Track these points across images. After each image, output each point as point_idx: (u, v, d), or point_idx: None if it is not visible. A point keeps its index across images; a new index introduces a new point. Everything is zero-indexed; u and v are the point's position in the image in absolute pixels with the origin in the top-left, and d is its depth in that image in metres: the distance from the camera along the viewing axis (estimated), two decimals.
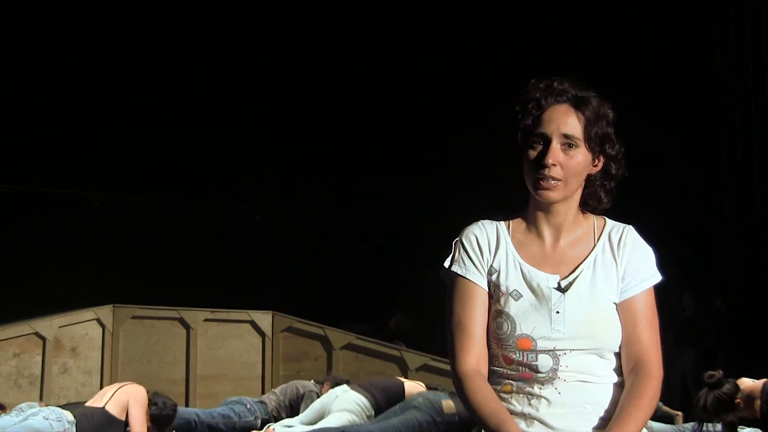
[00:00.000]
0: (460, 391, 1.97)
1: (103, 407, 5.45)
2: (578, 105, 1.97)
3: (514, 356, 1.95)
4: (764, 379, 4.88)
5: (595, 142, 1.96)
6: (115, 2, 10.08)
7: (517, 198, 2.07)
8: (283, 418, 6.37)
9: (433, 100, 10.38)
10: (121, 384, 5.72)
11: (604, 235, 2.02)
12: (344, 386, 6.28)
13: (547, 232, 2.02)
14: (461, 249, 2.04)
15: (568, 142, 1.94)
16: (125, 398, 5.48)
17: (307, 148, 10.64)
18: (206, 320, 8.57)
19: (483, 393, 1.93)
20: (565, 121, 1.95)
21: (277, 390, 6.71)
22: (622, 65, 9.20)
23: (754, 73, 9.34)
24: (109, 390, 5.64)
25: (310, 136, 10.62)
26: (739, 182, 9.44)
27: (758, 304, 8.57)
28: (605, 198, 2.03)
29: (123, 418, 5.48)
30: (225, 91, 10.37)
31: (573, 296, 1.95)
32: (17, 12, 9.51)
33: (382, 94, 10.49)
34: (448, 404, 5.50)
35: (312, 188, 10.86)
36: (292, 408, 6.49)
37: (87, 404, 5.58)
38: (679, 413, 6.46)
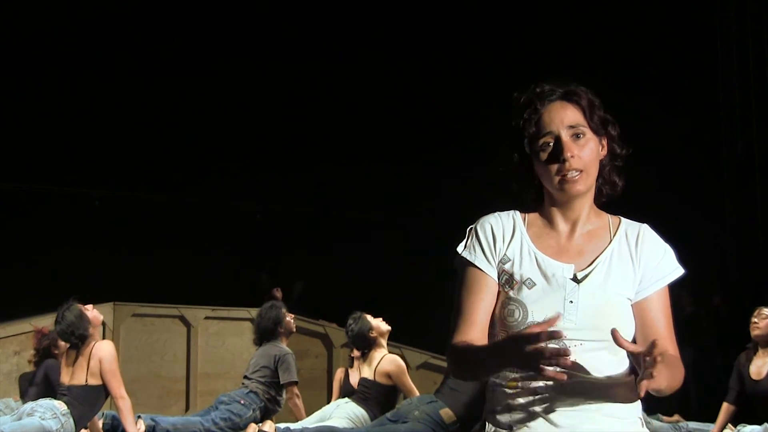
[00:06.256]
0: (451, 359, 1.99)
1: (86, 384, 5.41)
2: (570, 98, 2.01)
3: None
4: None
5: (598, 125, 2.00)
6: (114, 2, 10.10)
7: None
8: (273, 396, 6.35)
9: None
10: (89, 351, 5.53)
11: (621, 232, 2.04)
12: (346, 398, 6.37)
13: (562, 226, 2.05)
14: (474, 236, 2.06)
15: (576, 132, 1.98)
16: (98, 365, 5.42)
17: (305, 146, 10.65)
18: (207, 318, 8.57)
19: (472, 345, 1.94)
20: (567, 114, 1.99)
21: (250, 374, 6.45)
22: (622, 63, 9.20)
23: (754, 71, 9.34)
24: (82, 361, 5.51)
25: (308, 133, 10.63)
26: (739, 180, 9.45)
27: (758, 303, 8.57)
28: (618, 180, 2.07)
29: (101, 382, 5.42)
30: (224, 90, 10.37)
31: (587, 287, 1.96)
32: (15, 10, 9.52)
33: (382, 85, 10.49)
34: (447, 413, 5.44)
35: (310, 185, 10.86)
36: (275, 374, 6.38)
37: (66, 383, 5.50)
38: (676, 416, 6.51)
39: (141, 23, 10.12)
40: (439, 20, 10.75)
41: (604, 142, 2.04)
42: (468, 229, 2.09)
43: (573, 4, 9.92)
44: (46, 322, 7.55)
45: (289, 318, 6.62)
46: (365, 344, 6.42)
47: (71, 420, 5.26)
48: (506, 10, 10.25)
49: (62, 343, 6.31)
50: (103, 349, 5.43)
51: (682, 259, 2.07)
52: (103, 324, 8.10)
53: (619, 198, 2.08)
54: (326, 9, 10.67)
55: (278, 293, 9.17)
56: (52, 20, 9.69)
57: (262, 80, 10.67)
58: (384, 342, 6.47)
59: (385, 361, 6.32)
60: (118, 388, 5.38)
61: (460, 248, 2.07)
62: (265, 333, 6.57)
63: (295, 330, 6.81)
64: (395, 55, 10.61)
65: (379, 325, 6.47)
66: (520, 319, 1.96)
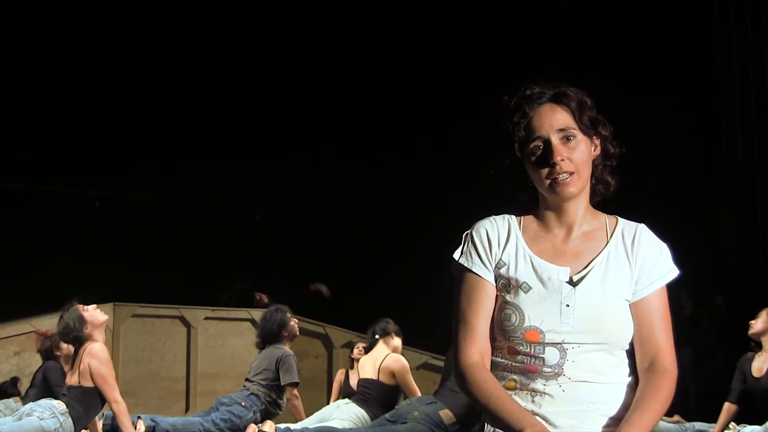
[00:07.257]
0: (464, 383, 1.98)
1: (79, 385, 5.38)
2: (560, 100, 2.00)
3: (521, 348, 1.96)
4: None
5: (588, 126, 2.00)
6: (114, 3, 10.10)
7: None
8: (273, 399, 6.35)
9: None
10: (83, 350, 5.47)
11: (617, 233, 2.04)
12: (346, 399, 6.39)
13: (558, 229, 2.04)
14: (470, 242, 2.05)
15: (566, 135, 1.97)
16: (87, 367, 5.36)
17: (306, 147, 10.65)
18: (207, 318, 8.58)
19: (490, 385, 1.94)
20: (556, 117, 1.98)
21: (252, 376, 6.44)
22: (621, 64, 9.20)
23: (754, 72, 9.34)
24: (77, 362, 5.47)
25: (309, 134, 10.63)
26: (739, 181, 9.44)
27: (757, 303, 8.57)
28: (611, 180, 2.06)
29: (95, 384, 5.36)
30: (225, 90, 10.37)
31: (583, 290, 1.95)
32: (15, 10, 9.53)
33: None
34: (447, 414, 5.43)
35: (311, 185, 10.86)
36: (276, 377, 6.38)
37: (67, 383, 5.48)
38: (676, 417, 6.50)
39: (139, 24, 10.12)
40: (438, 20, 10.75)
41: (597, 141, 2.03)
42: (464, 235, 2.08)
43: (572, 4, 9.91)
44: (46, 322, 7.56)
45: (293, 322, 6.60)
46: (377, 331, 6.49)
47: (70, 420, 5.25)
48: (504, 9, 10.24)
49: (64, 345, 6.31)
50: (92, 353, 5.34)
51: (682, 259, 2.06)
52: None
53: (619, 198, 2.08)
54: (324, 9, 10.68)
55: (265, 298, 9.15)
56: (51, 18, 9.69)
57: (262, 79, 10.67)
58: (389, 347, 6.51)
59: (389, 359, 6.33)
60: (110, 391, 5.31)
61: (456, 255, 2.06)
62: (269, 336, 6.55)
63: (298, 334, 6.79)
64: (393, 56, 10.61)
65: (397, 338, 6.56)
66: (516, 324, 1.95)
